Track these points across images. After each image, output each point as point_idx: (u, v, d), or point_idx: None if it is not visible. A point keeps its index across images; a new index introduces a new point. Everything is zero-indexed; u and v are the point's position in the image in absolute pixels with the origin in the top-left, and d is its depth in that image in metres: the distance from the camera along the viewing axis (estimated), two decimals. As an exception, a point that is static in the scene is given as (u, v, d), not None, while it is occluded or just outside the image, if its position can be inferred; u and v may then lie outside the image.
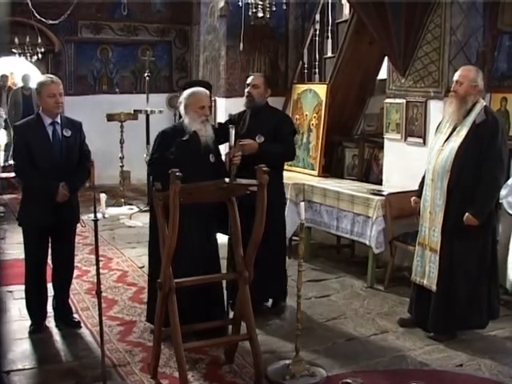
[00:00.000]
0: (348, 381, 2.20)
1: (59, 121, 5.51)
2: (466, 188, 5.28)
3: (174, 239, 4.39)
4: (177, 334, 4.46)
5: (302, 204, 4.70)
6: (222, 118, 9.93)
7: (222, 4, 9.75)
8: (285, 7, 9.06)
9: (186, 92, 5.49)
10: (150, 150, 5.65)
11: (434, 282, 5.45)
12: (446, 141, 5.39)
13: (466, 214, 5.25)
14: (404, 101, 7.43)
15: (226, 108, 9.88)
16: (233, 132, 5.29)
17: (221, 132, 5.76)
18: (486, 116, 5.31)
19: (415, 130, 7.30)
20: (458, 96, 5.34)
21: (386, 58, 8.10)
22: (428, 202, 5.50)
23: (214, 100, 10.19)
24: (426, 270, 5.54)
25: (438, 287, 5.43)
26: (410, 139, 7.38)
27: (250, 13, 8.69)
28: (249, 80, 6.08)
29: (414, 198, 5.78)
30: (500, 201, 6.27)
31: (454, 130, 5.38)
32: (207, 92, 5.57)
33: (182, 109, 5.48)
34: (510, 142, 6.86)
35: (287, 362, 4.86)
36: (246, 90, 6.06)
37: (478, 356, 5.19)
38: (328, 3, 9.53)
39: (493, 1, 7.19)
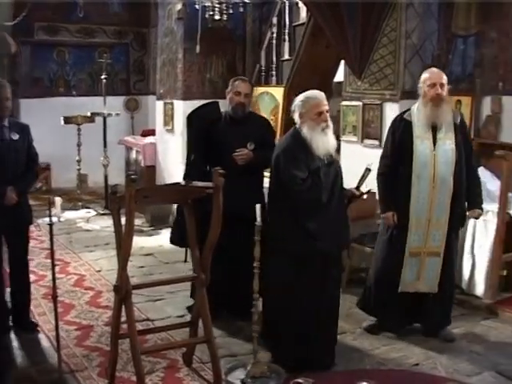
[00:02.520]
0: (299, 381, 2.21)
1: (7, 124, 5.47)
2: (463, 186, 5.42)
3: (130, 243, 4.36)
4: (134, 337, 4.44)
5: (258, 206, 4.70)
6: (179, 120, 9.93)
7: (179, 7, 9.72)
8: (242, 10, 9.07)
9: (299, 98, 4.96)
10: (285, 173, 4.87)
11: (436, 283, 5.50)
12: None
13: (477, 210, 5.51)
14: (360, 103, 7.50)
15: (183, 111, 9.84)
16: (367, 177, 5.09)
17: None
18: (457, 115, 5.55)
19: (371, 132, 7.38)
20: (444, 99, 5.35)
21: (342, 61, 8.17)
22: (425, 208, 5.36)
23: (172, 103, 10.18)
24: (425, 276, 5.50)
25: (440, 288, 5.53)
26: (366, 141, 7.45)
27: (207, 15, 8.70)
28: (238, 86, 5.85)
29: (389, 214, 5.49)
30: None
31: (433, 133, 5.36)
32: (323, 94, 4.97)
33: (296, 117, 4.94)
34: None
35: (246, 363, 4.87)
36: (239, 99, 5.80)
37: (434, 355, 5.26)
38: (285, 6, 9.57)
39: (447, 5, 7.31)
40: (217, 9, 8.38)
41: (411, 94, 7.13)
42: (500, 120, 7.09)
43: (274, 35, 9.66)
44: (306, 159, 4.80)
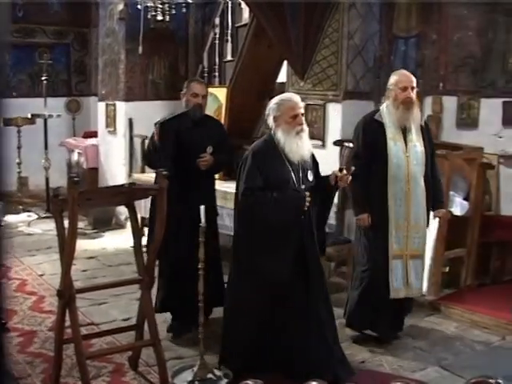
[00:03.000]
0: (248, 382, 2.23)
1: None
2: (430, 187, 5.45)
3: (73, 247, 4.30)
4: (79, 342, 4.38)
5: (202, 208, 4.68)
6: (122, 122, 9.84)
7: (121, 7, 9.62)
8: (185, 10, 9.02)
9: (273, 101, 4.75)
10: (241, 178, 4.70)
11: (422, 286, 5.52)
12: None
13: (441, 210, 5.61)
14: (303, 104, 7.52)
15: (125, 112, 9.78)
16: (347, 152, 4.86)
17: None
18: (422, 117, 5.63)
19: (315, 132, 7.40)
20: (414, 102, 5.33)
21: (285, 62, 8.20)
22: (403, 210, 5.33)
23: (114, 104, 10.07)
24: (412, 279, 5.43)
25: None
26: (310, 141, 7.48)
27: (149, 16, 8.64)
28: (194, 88, 5.69)
29: (365, 216, 5.40)
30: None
31: (403, 135, 5.34)
32: (298, 97, 4.79)
33: (270, 121, 4.72)
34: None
35: (193, 366, 4.84)
36: (196, 101, 5.64)
37: (379, 353, 5.33)
38: (228, 7, 9.56)
39: (388, 6, 7.41)
40: (159, 9, 8.32)
41: (354, 95, 7.24)
42: (441, 120, 7.22)
43: (217, 36, 9.64)
44: (274, 165, 4.63)
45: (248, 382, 2.43)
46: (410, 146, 5.34)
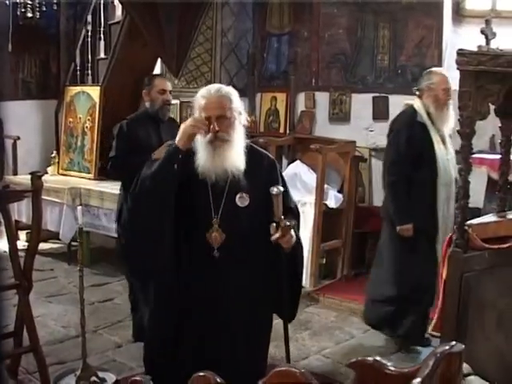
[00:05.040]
0: (137, 378, 2.22)
1: None
2: None
3: None
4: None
5: (80, 208, 4.61)
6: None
7: (-14, 3, 9.32)
8: (55, 7, 8.82)
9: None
10: None
11: None
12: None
13: None
14: (178, 101, 7.54)
15: (-4, 114, 9.48)
16: (280, 201, 3.22)
17: None
18: None
19: (190, 129, 7.46)
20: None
21: (159, 60, 8.17)
22: (446, 215, 4.99)
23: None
24: None
25: None
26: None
27: (18, 12, 8.40)
28: (161, 84, 5.21)
29: (410, 226, 4.97)
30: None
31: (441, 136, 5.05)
32: (222, 91, 3.34)
33: None
34: (279, 138, 7.23)
35: (75, 370, 4.76)
36: (165, 98, 5.17)
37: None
38: (100, 4, 9.42)
39: (261, 5, 7.53)
40: (29, 6, 8.11)
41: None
42: (314, 115, 7.40)
43: (89, 33, 9.47)
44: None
45: (136, 378, 2.42)
46: (447, 149, 5.06)
